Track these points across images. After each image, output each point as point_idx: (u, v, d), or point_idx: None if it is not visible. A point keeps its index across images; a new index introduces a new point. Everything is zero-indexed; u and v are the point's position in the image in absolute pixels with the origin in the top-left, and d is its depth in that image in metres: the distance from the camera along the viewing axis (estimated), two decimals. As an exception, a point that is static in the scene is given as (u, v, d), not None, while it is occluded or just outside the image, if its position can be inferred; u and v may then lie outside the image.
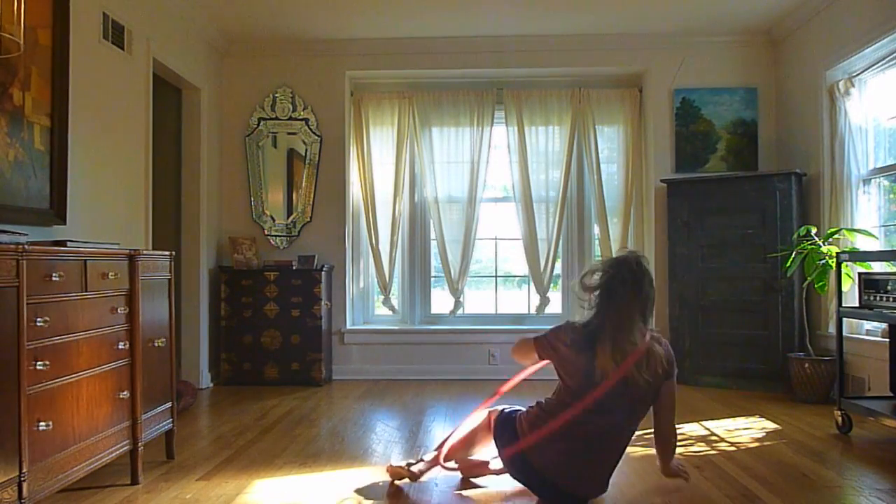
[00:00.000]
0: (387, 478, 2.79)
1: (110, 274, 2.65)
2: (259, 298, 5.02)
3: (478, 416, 2.79)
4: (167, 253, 3.19)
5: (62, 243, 2.55)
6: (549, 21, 4.98)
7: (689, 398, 4.44)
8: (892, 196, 4.30)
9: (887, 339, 3.68)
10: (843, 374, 3.59)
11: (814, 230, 4.30)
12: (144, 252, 2.91)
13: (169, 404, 3.13)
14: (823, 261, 4.14)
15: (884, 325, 3.83)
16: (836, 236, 4.19)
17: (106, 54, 3.69)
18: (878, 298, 3.43)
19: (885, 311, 3.31)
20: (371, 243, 5.43)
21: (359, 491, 2.69)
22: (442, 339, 5.36)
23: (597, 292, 2.50)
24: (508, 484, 2.73)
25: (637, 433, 3.49)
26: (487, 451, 2.76)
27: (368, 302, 5.71)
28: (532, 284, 5.47)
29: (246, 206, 5.38)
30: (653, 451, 3.15)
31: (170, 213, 4.85)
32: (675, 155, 5.28)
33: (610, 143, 5.50)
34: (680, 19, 4.97)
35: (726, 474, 2.84)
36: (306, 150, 5.39)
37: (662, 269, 5.16)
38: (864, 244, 4.17)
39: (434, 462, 2.79)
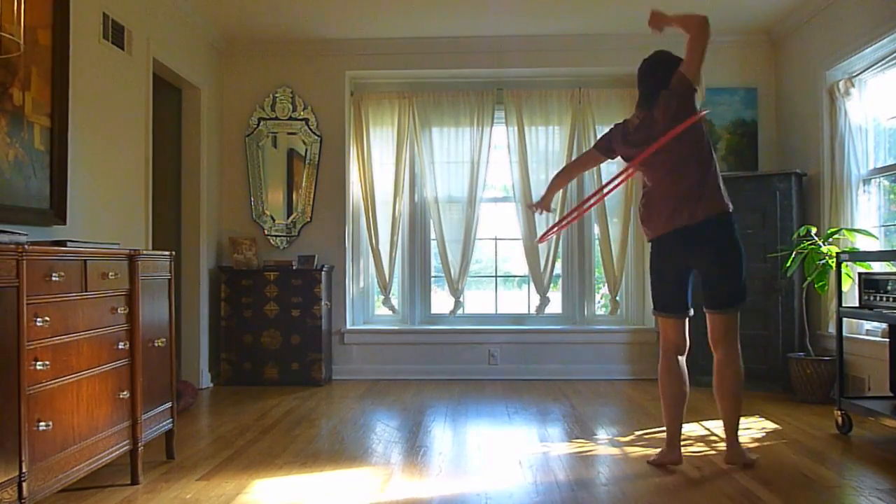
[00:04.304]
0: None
1: (110, 274, 2.65)
2: (259, 298, 5.02)
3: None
4: (167, 253, 3.19)
5: (62, 243, 2.55)
6: (549, 21, 4.98)
7: (690, 398, 4.43)
8: (892, 196, 4.30)
9: (887, 339, 3.68)
10: (843, 374, 3.59)
11: (814, 230, 4.30)
12: (144, 252, 2.91)
13: (169, 404, 3.13)
14: (823, 261, 4.14)
15: (884, 325, 3.83)
16: (836, 236, 4.19)
17: (106, 54, 3.69)
18: (878, 298, 3.43)
19: (885, 311, 3.31)
20: (371, 243, 5.43)
21: (358, 491, 2.69)
22: (442, 339, 5.36)
23: None
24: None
25: (635, 433, 3.53)
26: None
27: (368, 302, 5.70)
28: (532, 284, 5.47)
29: (246, 206, 5.38)
30: (652, 450, 3.17)
31: (170, 213, 4.85)
32: (675, 155, 5.27)
33: (610, 144, 5.48)
34: (680, 19, 4.96)
35: (726, 474, 2.84)
36: (306, 150, 5.39)
37: (662, 269, 5.16)
38: (864, 244, 4.17)
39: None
